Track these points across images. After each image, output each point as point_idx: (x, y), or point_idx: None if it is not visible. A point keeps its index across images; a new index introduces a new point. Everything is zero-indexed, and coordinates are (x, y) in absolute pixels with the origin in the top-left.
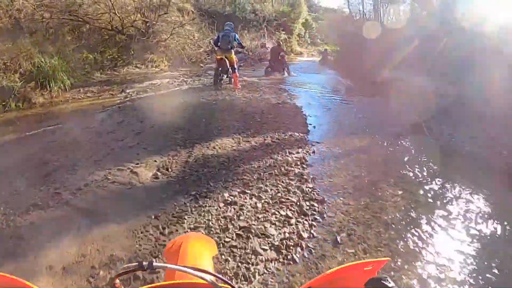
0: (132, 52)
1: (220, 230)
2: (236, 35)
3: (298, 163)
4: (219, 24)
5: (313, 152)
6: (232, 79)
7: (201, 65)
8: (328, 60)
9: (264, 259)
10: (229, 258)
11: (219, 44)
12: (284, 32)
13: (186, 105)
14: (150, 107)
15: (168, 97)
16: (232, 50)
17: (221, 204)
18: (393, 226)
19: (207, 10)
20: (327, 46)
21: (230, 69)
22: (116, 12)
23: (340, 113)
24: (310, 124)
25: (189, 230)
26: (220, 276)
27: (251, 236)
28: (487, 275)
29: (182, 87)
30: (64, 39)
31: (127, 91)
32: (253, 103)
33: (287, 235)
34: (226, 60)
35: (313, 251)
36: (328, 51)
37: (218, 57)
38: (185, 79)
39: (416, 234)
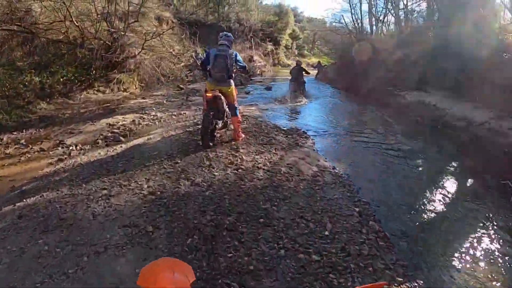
0: (93, 71)
1: None
2: (238, 54)
3: None
4: (202, 35)
5: None
6: (232, 126)
7: (181, 86)
8: (326, 75)
9: None
10: None
11: (209, 67)
12: (271, 43)
13: (151, 209)
14: (78, 210)
15: (123, 174)
16: (232, 80)
17: None
18: None
19: (188, 19)
20: (315, 58)
21: (227, 111)
22: (74, 21)
23: (415, 193)
24: (400, 245)
25: None
26: None
27: None
28: None
29: (152, 136)
30: (11, 55)
31: (68, 142)
32: (276, 183)
33: None
34: (222, 97)
35: None
36: (321, 64)
37: (209, 94)
38: (159, 114)
39: None
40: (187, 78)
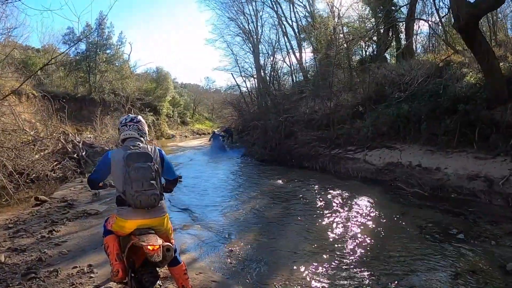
0: None
1: None
2: (163, 152)
3: None
4: (72, 110)
5: None
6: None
7: (42, 197)
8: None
9: None
10: None
11: (116, 188)
12: (151, 114)
13: None
14: None
15: None
16: (164, 202)
17: None
18: None
19: (54, 92)
20: (198, 124)
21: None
22: None
23: None
24: None
25: None
26: None
27: None
28: None
29: None
30: None
31: None
32: None
33: None
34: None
35: None
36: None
37: (152, 246)
38: None
39: None
40: (54, 173)
